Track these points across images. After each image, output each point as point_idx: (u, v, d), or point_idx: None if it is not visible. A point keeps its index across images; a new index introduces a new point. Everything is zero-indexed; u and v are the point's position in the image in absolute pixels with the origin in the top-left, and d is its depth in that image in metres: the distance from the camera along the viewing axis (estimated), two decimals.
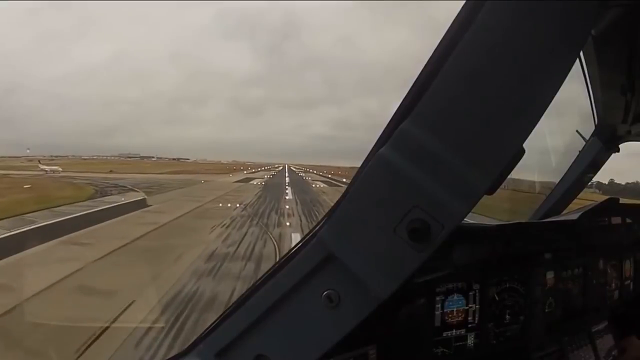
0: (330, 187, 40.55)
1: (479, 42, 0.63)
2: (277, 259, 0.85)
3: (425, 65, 0.67)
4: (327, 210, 0.79)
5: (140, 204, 21.73)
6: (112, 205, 20.76)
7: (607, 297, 1.87)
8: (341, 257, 0.71)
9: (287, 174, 69.87)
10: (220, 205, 23.03)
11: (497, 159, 0.65)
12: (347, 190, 0.72)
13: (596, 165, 2.30)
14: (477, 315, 1.41)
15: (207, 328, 0.89)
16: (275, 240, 13.60)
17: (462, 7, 0.64)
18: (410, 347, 1.28)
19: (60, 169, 45.59)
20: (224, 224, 16.58)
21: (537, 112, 0.64)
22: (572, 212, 1.98)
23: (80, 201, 22.37)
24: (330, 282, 0.73)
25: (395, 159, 0.67)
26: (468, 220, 0.88)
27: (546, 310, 1.59)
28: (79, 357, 5.69)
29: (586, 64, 1.68)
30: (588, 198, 2.37)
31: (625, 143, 2.21)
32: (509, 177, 0.67)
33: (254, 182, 45.24)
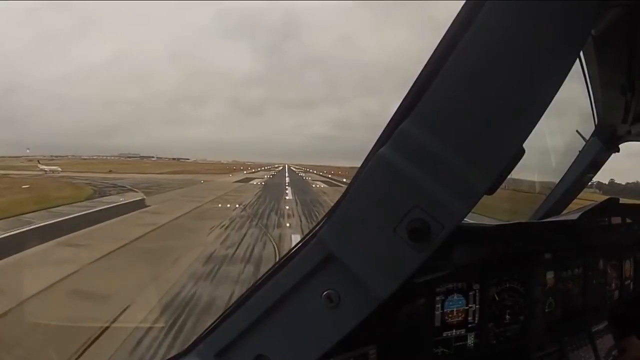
0: (330, 187, 40.44)
1: (479, 42, 0.63)
2: (277, 261, 0.85)
3: (425, 65, 0.67)
4: (327, 210, 0.79)
5: (139, 205, 21.59)
6: (110, 205, 20.62)
7: (607, 297, 1.87)
8: (341, 257, 0.71)
9: (287, 174, 69.77)
10: (220, 205, 22.84)
11: (497, 159, 0.65)
12: (347, 190, 0.72)
13: (596, 165, 2.30)
14: (477, 315, 1.41)
15: (207, 328, 0.89)
16: (275, 242, 13.38)
17: (462, 7, 0.64)
18: (410, 347, 1.28)
19: (59, 169, 45.56)
20: (223, 225, 16.37)
21: (537, 112, 0.64)
22: (572, 212, 1.98)
23: (78, 201, 22.24)
24: (330, 282, 0.73)
25: (395, 159, 0.67)
26: (468, 220, 0.88)
27: (546, 310, 1.59)
28: None
29: (586, 64, 1.68)
30: (588, 198, 2.37)
31: (625, 143, 2.21)
32: (509, 177, 0.67)
33: (254, 182, 45.10)
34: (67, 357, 5.66)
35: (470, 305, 1.40)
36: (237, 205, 22.73)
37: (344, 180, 46.67)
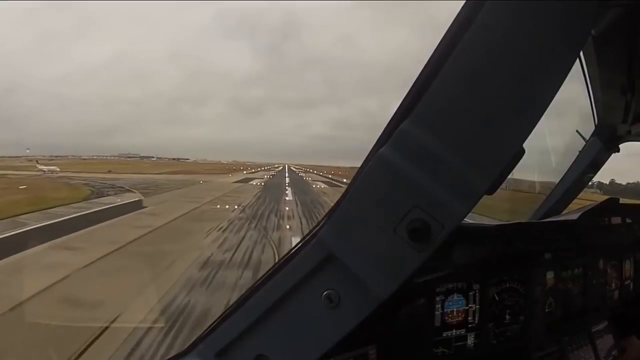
0: (330, 187, 40.34)
1: (479, 42, 0.63)
2: (277, 262, 0.85)
3: (425, 65, 0.67)
4: (327, 211, 0.79)
5: (136, 206, 21.40)
6: (107, 206, 20.40)
7: (607, 297, 1.87)
8: (341, 257, 0.71)
9: (287, 174, 69.69)
10: (218, 206, 22.65)
11: (497, 159, 0.65)
12: (347, 190, 0.72)
13: (596, 165, 2.30)
14: (477, 315, 1.41)
15: (207, 328, 0.89)
16: (275, 245, 13.08)
17: (462, 7, 0.64)
18: (410, 347, 1.28)
19: (58, 169, 45.45)
20: (221, 227, 16.10)
21: (537, 112, 0.64)
22: (572, 212, 1.98)
23: (75, 202, 22.11)
24: (330, 282, 0.73)
25: (395, 159, 0.67)
26: (468, 220, 0.88)
27: (546, 310, 1.59)
28: None
29: (586, 64, 1.68)
30: (589, 198, 2.37)
31: (625, 143, 2.21)
32: (509, 177, 0.67)
33: (254, 182, 45.01)
34: None
35: (470, 305, 1.40)
36: (235, 207, 22.54)
37: (344, 180, 46.49)
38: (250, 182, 44.42)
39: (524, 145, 0.65)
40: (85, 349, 6.09)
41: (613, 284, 1.90)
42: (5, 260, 10.44)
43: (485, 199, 0.68)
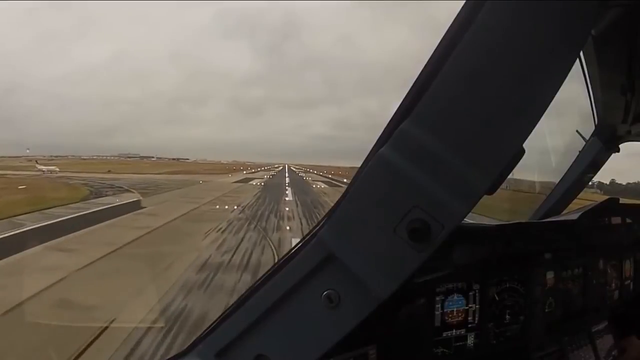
0: (331, 187, 40.24)
1: (479, 42, 0.63)
2: (277, 261, 0.85)
3: (425, 65, 0.67)
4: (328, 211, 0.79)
5: (134, 206, 21.27)
6: (105, 207, 20.29)
7: (607, 297, 1.87)
8: (341, 257, 0.71)
9: (287, 174, 69.62)
10: (217, 207, 22.49)
11: (497, 159, 0.65)
12: (347, 190, 0.72)
13: (596, 165, 2.30)
14: (477, 315, 1.41)
15: (207, 328, 0.88)
16: (275, 247, 12.83)
17: (462, 7, 0.64)
18: (410, 347, 1.28)
19: (57, 169, 45.42)
20: (220, 228, 15.87)
21: (537, 112, 0.64)
22: (572, 212, 1.98)
23: (73, 202, 22.02)
24: (330, 282, 0.73)
25: (395, 159, 0.67)
26: (468, 220, 0.88)
27: (546, 310, 1.59)
28: None
29: (586, 64, 1.68)
30: (589, 198, 2.37)
31: (625, 143, 2.21)
32: (509, 177, 0.67)
33: (254, 182, 44.93)
34: None
35: (470, 305, 1.40)
36: (235, 207, 22.38)
37: (344, 180, 46.38)
38: (250, 182, 44.33)
39: (524, 145, 0.65)
40: (78, 356, 6.01)
41: (613, 284, 1.89)
42: (4, 260, 10.31)
43: (485, 199, 0.68)
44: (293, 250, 0.79)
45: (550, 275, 1.60)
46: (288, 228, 16.47)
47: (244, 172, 73.03)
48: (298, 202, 25.99)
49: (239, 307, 0.83)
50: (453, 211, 0.65)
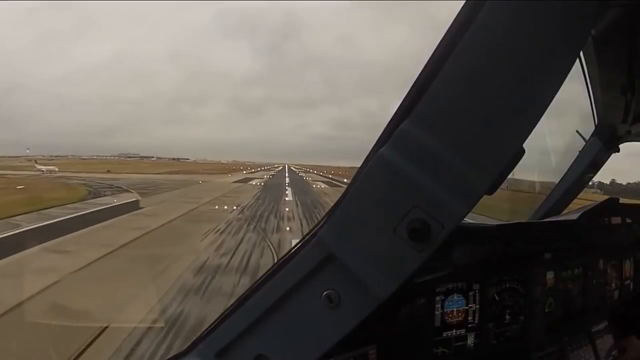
0: (331, 187, 40.10)
1: (479, 42, 0.63)
2: (277, 261, 0.84)
3: (425, 65, 0.67)
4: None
5: (133, 206, 21.03)
6: (103, 207, 20.08)
7: (607, 297, 1.87)
8: (341, 257, 0.71)
9: (287, 174, 69.50)
10: (217, 207, 22.26)
11: (497, 159, 0.65)
12: (347, 190, 0.72)
13: (596, 165, 2.30)
14: (477, 315, 1.41)
15: (207, 328, 0.88)
16: (274, 249, 12.56)
17: (462, 7, 0.64)
18: (410, 347, 1.28)
19: (56, 169, 45.44)
20: (219, 229, 15.57)
21: (537, 112, 0.64)
22: (572, 212, 1.98)
23: (71, 203, 21.86)
24: (330, 282, 0.73)
25: (395, 159, 0.67)
26: (468, 220, 0.88)
27: (546, 310, 1.59)
28: None
29: (586, 64, 1.68)
30: (589, 198, 2.37)
31: (625, 143, 2.21)
32: (509, 177, 0.67)
33: (253, 182, 44.78)
34: None
35: (470, 305, 1.40)
36: (234, 207, 22.14)
37: (345, 180, 46.18)
38: (250, 182, 44.19)
39: (524, 145, 0.65)
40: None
41: (613, 284, 1.89)
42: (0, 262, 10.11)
43: (485, 199, 0.67)
44: (293, 250, 0.79)
45: (550, 275, 1.60)
46: (288, 229, 16.25)
47: (244, 172, 72.96)
48: (298, 203, 25.82)
49: (239, 307, 0.83)
50: (453, 211, 0.65)
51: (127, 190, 29.35)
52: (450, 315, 1.36)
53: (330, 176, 67.90)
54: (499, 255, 1.45)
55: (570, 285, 1.69)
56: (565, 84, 0.64)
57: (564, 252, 1.66)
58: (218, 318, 0.87)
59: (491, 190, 0.66)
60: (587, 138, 2.26)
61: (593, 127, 2.20)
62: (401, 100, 0.70)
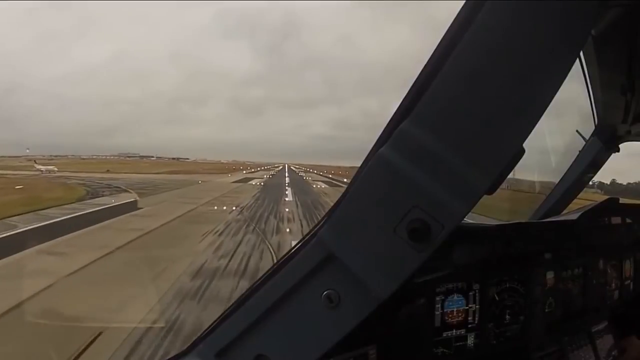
0: (331, 187, 39.92)
1: (479, 42, 0.63)
2: (277, 261, 0.84)
3: (425, 65, 0.67)
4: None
5: (130, 207, 20.87)
6: (100, 208, 19.96)
7: (607, 297, 1.87)
8: (341, 257, 0.71)
9: (287, 174, 69.34)
10: (215, 208, 21.99)
11: (497, 159, 0.65)
12: (347, 190, 0.72)
13: (596, 165, 2.31)
14: (477, 315, 1.41)
15: (207, 328, 0.88)
16: (274, 251, 12.28)
17: (462, 7, 0.64)
18: (410, 347, 1.28)
19: (55, 169, 45.45)
20: (217, 231, 15.26)
21: (537, 112, 0.64)
22: (572, 212, 1.98)
23: (69, 203, 21.76)
24: (330, 282, 0.73)
25: (395, 158, 0.67)
26: (468, 220, 0.88)
27: (546, 310, 1.59)
28: None
29: (586, 64, 1.68)
30: (590, 198, 2.37)
31: (625, 143, 2.21)
32: (509, 177, 0.67)
33: (253, 182, 44.60)
34: None
35: (470, 305, 1.40)
36: (233, 208, 21.91)
37: (345, 180, 45.93)
38: (250, 182, 44.01)
39: (524, 145, 0.65)
40: None
41: (613, 284, 1.89)
42: None
43: (485, 199, 0.68)
44: (293, 250, 0.79)
45: (550, 275, 1.60)
46: (288, 230, 15.99)
47: (244, 171, 72.86)
48: (298, 203, 25.61)
49: (239, 307, 0.83)
50: (453, 211, 0.65)
51: (125, 190, 29.18)
52: (450, 316, 1.36)
53: (330, 176, 67.79)
54: (499, 255, 1.45)
55: (570, 285, 1.69)
56: (565, 84, 0.64)
57: (564, 252, 1.66)
58: (218, 318, 0.87)
59: (491, 190, 0.66)
60: (587, 138, 2.26)
61: (593, 127, 2.20)
62: (401, 100, 0.70)
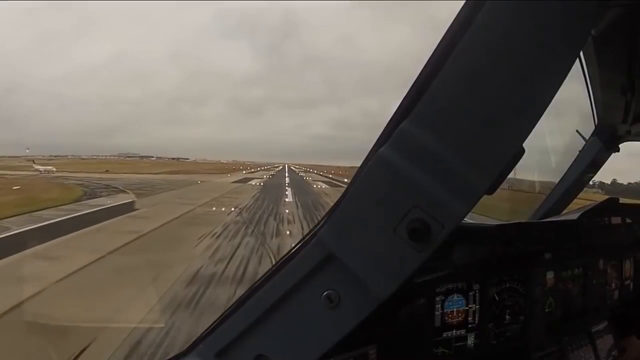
0: (332, 187, 39.68)
1: (479, 42, 0.63)
2: (277, 262, 0.84)
3: (425, 65, 0.67)
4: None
5: (128, 208, 20.39)
6: (96, 209, 19.50)
7: (607, 297, 1.87)
8: (341, 257, 0.71)
9: (287, 174, 69.09)
10: (214, 209, 21.46)
11: (497, 159, 0.65)
12: (347, 190, 0.72)
13: (596, 165, 2.31)
14: (477, 315, 1.41)
15: (207, 328, 0.88)
16: (273, 255, 11.83)
17: (462, 7, 0.65)
18: (410, 347, 1.28)
19: (54, 169, 45.37)
20: (215, 233, 14.73)
21: (537, 112, 0.64)
22: (572, 212, 1.98)
23: (65, 204, 21.34)
24: (330, 282, 0.73)
25: (395, 158, 0.67)
26: (468, 220, 0.88)
27: (546, 310, 1.59)
28: None
29: (586, 64, 1.69)
30: (590, 198, 2.37)
31: (625, 143, 2.21)
32: (509, 177, 0.67)
33: (253, 182, 44.26)
34: None
35: (470, 306, 1.40)
36: (232, 209, 21.41)
37: (345, 180, 45.67)
38: (249, 182, 43.69)
39: (524, 145, 0.65)
40: None
41: (613, 284, 1.89)
42: None
43: (485, 199, 0.67)
44: (293, 251, 0.79)
45: (550, 275, 1.60)
46: (288, 233, 15.51)
47: (244, 171, 72.67)
48: (298, 204, 25.25)
49: (239, 307, 0.83)
50: (453, 211, 0.65)
51: (123, 191, 28.80)
52: (450, 316, 1.36)
53: (330, 176, 67.64)
54: (499, 255, 1.45)
55: (570, 285, 1.69)
56: (565, 84, 0.64)
57: (564, 252, 1.66)
58: (218, 318, 0.87)
59: (491, 190, 0.66)
60: (587, 138, 2.27)
61: (593, 127, 2.20)
62: (401, 100, 0.70)
